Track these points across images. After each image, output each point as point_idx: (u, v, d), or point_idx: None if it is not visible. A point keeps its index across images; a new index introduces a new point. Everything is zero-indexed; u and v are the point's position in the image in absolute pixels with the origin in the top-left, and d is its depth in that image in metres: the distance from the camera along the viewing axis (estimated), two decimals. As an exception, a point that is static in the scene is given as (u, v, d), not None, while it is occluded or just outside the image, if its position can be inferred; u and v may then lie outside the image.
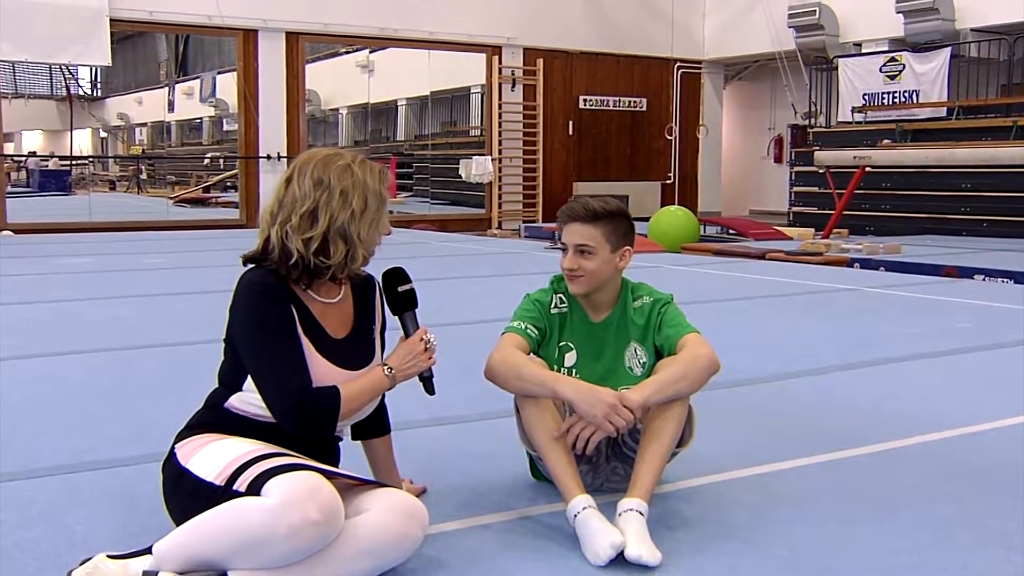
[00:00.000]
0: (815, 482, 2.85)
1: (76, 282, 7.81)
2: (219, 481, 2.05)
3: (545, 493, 2.66)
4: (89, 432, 3.35)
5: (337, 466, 2.35)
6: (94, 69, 23.82)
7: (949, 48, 13.88)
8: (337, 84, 19.87)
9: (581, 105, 17.28)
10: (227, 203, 18.73)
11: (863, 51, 15.36)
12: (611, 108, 17.60)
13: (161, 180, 24.91)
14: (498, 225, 16.53)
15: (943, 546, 2.36)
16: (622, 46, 17.40)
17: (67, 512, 2.57)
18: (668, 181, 18.10)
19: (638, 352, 2.66)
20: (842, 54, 15.46)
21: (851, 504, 2.65)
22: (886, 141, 13.54)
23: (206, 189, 21.45)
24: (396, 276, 2.45)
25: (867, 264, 9.65)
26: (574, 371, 2.65)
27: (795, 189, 15.82)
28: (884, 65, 14.60)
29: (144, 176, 24.86)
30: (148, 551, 2.02)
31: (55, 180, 22.74)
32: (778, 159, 19.84)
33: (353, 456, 2.48)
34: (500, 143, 16.65)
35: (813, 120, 15.96)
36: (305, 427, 2.21)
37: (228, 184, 20.44)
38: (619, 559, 2.20)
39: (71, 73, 22.88)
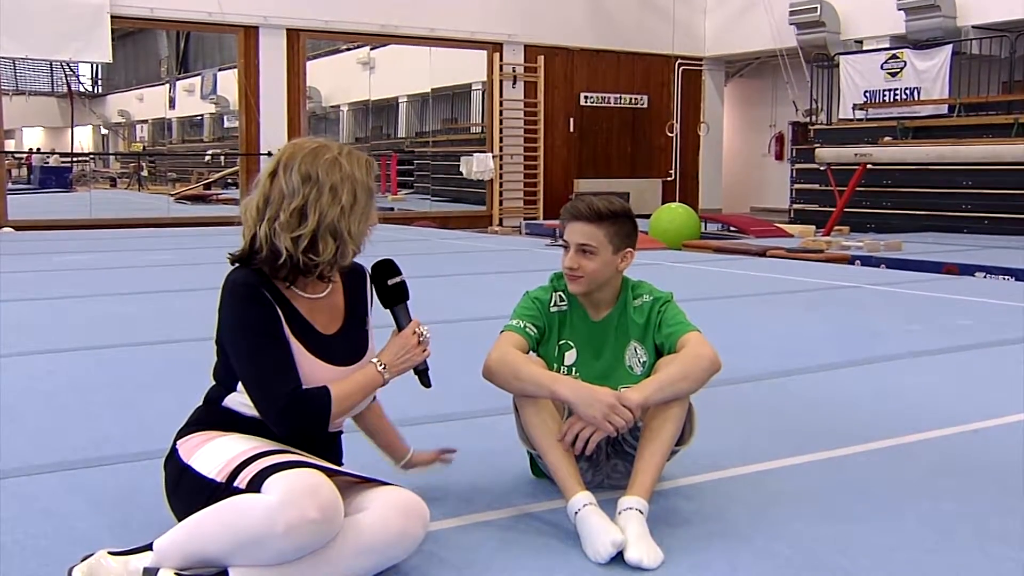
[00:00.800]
0: (816, 480, 2.85)
1: (77, 279, 7.82)
2: (220, 478, 2.05)
3: (545, 490, 2.66)
4: (90, 429, 3.36)
5: (339, 461, 2.35)
6: (95, 66, 23.84)
7: (950, 45, 13.87)
8: (338, 81, 19.86)
9: (582, 102, 17.27)
10: (228, 200, 18.74)
11: (864, 48, 15.35)
12: (612, 105, 17.59)
13: (162, 177, 24.92)
14: (499, 222, 16.52)
15: (944, 543, 2.36)
16: (623, 43, 17.39)
17: (68, 509, 2.57)
18: (669, 178, 18.10)
19: (638, 351, 2.65)
20: (843, 51, 15.45)
21: (852, 501, 2.64)
22: (887, 138, 13.54)
23: (207, 186, 21.45)
24: (386, 268, 2.39)
25: (868, 261, 9.64)
26: (574, 370, 2.65)
27: (796, 186, 15.82)
28: (885, 62, 14.59)
29: (145, 173, 24.88)
30: (149, 548, 2.02)
31: (56, 177, 22.74)
32: (779, 156, 19.83)
33: (355, 451, 2.48)
34: (501, 140, 16.64)
35: (814, 117, 15.95)
36: (296, 429, 2.18)
37: (229, 181, 20.45)
38: (620, 557, 2.20)
39: (72, 70, 22.90)
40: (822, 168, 13.48)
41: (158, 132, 25.72)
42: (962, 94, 13.83)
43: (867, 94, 14.78)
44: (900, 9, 14.23)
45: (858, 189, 12.94)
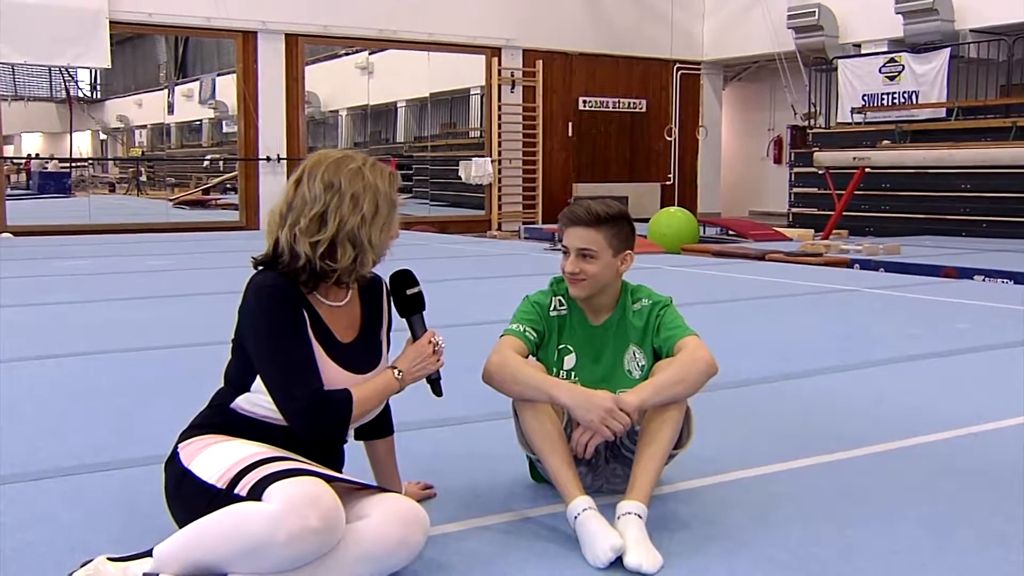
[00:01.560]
0: (815, 483, 2.85)
1: (76, 284, 7.81)
2: (221, 484, 2.05)
3: (545, 494, 2.66)
4: (89, 434, 3.36)
5: (341, 469, 2.35)
6: (94, 71, 23.80)
7: (948, 49, 13.89)
8: (337, 86, 19.87)
9: (580, 106, 17.28)
10: (227, 205, 18.73)
11: (862, 52, 15.37)
12: (610, 109, 17.61)
13: (161, 182, 24.92)
14: (498, 227, 16.52)
15: (943, 546, 2.36)
16: (621, 47, 17.40)
17: (67, 514, 2.57)
18: (668, 182, 18.11)
19: (637, 355, 2.66)
20: (841, 55, 15.46)
21: (851, 505, 2.65)
22: (885, 142, 13.54)
23: (206, 191, 21.45)
24: (404, 279, 2.43)
25: (867, 265, 9.65)
26: (573, 374, 2.65)
27: (795, 190, 15.82)
28: (883, 66, 14.61)
29: (144, 178, 24.86)
30: (148, 554, 2.02)
31: (55, 182, 22.73)
32: (777, 160, 19.84)
33: (356, 459, 2.48)
34: (500, 144, 16.65)
35: (812, 121, 15.97)
36: (317, 430, 2.21)
37: (228, 186, 20.43)
38: (619, 561, 2.20)
39: (71, 75, 22.88)
40: (820, 172, 13.48)
41: (157, 137, 25.71)
42: (960, 97, 13.85)
43: (865, 98, 14.80)
44: (898, 13, 14.25)
45: (857, 193, 12.94)
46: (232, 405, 2.23)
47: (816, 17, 15.39)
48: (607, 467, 2.65)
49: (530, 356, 2.63)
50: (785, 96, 16.95)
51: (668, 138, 17.96)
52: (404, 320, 2.42)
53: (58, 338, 5.30)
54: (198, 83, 23.31)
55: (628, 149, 17.89)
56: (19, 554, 2.30)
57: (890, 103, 14.49)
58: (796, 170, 15.82)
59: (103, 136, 27.00)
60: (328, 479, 2.04)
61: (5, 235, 13.05)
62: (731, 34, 17.67)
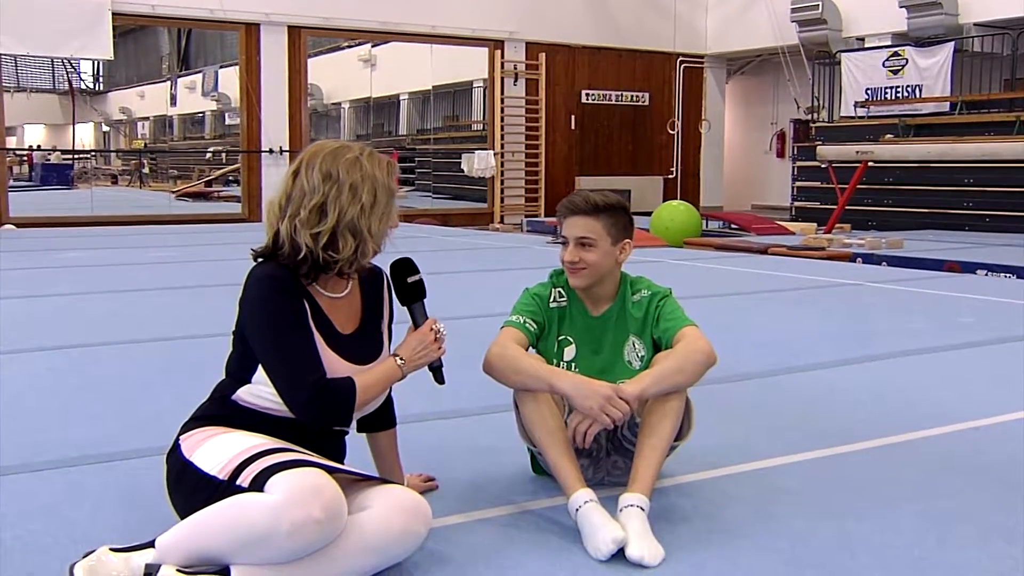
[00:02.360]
0: (816, 477, 2.86)
1: (78, 276, 7.82)
2: (222, 475, 2.05)
3: (546, 487, 2.67)
4: (91, 425, 3.36)
5: (342, 460, 2.36)
6: (96, 63, 23.81)
7: (952, 43, 13.85)
8: (339, 78, 19.86)
9: (583, 99, 17.26)
10: (229, 197, 18.72)
11: (866, 46, 15.34)
12: (613, 103, 17.59)
13: (163, 174, 24.93)
14: (500, 219, 16.53)
15: (945, 541, 2.36)
16: (624, 40, 17.38)
17: (69, 506, 2.57)
18: (670, 176, 18.09)
19: (636, 346, 2.66)
20: (845, 48, 15.44)
21: (852, 499, 2.65)
22: (889, 136, 13.53)
23: (208, 183, 21.45)
24: (405, 267, 2.43)
25: (869, 259, 9.64)
26: (573, 365, 2.66)
27: (797, 184, 15.81)
28: (887, 60, 14.58)
29: (146, 170, 24.87)
30: (151, 545, 2.03)
31: (57, 174, 22.74)
32: (780, 154, 19.83)
33: (358, 450, 2.48)
34: (502, 137, 16.64)
35: (816, 115, 15.95)
36: (321, 418, 2.22)
37: (230, 178, 20.43)
38: (621, 553, 2.21)
39: (73, 67, 22.89)
40: (824, 166, 13.48)
41: (159, 129, 25.72)
42: (964, 91, 13.82)
43: (869, 91, 14.78)
44: (902, 7, 14.23)
45: (860, 187, 12.94)
46: (233, 397, 2.24)
47: (820, 11, 15.36)
48: (608, 459, 2.66)
49: (530, 348, 2.64)
50: (788, 90, 16.94)
51: (671, 131, 17.95)
52: (406, 309, 2.41)
53: (60, 330, 5.30)
54: (201, 75, 23.29)
55: (631, 142, 17.88)
56: (21, 545, 2.30)
57: (893, 97, 14.47)
58: (799, 164, 15.81)
59: (105, 128, 27.00)
60: (330, 470, 2.04)
61: (7, 227, 13.06)
62: (734, 28, 17.64)
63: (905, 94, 14.32)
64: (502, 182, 16.78)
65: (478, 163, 16.42)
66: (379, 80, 19.14)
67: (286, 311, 2.19)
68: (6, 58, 14.72)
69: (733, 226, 13.62)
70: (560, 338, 2.69)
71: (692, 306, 2.82)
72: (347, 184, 2.21)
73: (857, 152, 12.61)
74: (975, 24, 13.97)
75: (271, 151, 14.72)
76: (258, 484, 1.98)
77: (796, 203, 15.78)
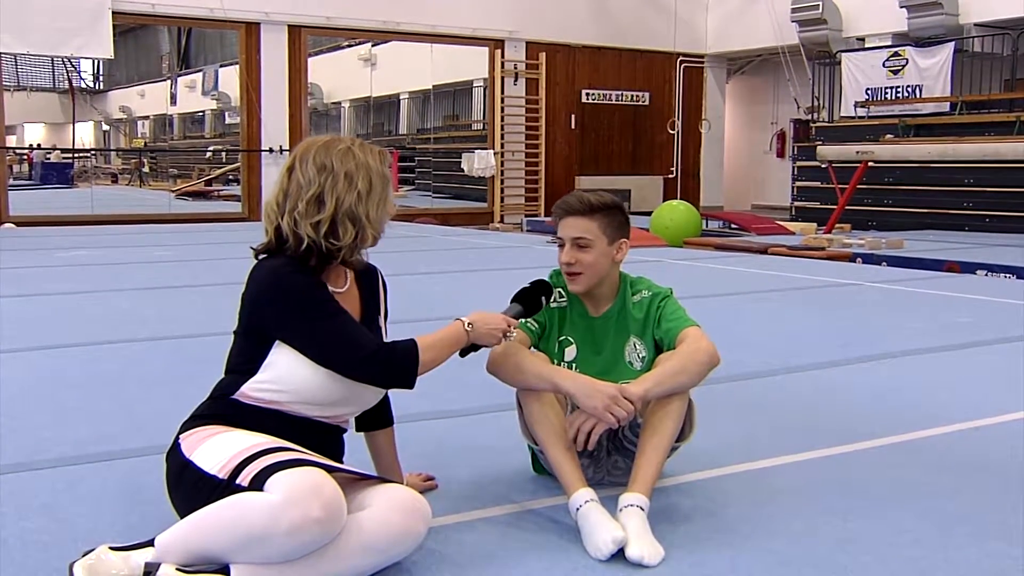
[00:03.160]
0: (816, 477, 2.86)
1: (78, 275, 7.82)
2: (222, 475, 2.05)
3: (546, 486, 2.67)
4: (91, 424, 3.36)
5: (341, 459, 2.36)
6: (96, 62, 23.81)
7: (953, 43, 13.85)
8: (339, 77, 19.86)
9: (583, 99, 17.27)
10: (229, 196, 18.73)
11: (866, 46, 15.34)
12: (613, 102, 17.59)
13: (163, 173, 24.94)
14: (500, 219, 16.53)
15: (944, 540, 2.36)
16: (624, 40, 17.37)
17: (69, 504, 2.57)
18: (670, 175, 18.09)
19: (637, 347, 2.66)
20: (845, 48, 15.44)
21: (852, 499, 2.65)
22: (889, 136, 13.53)
23: (208, 182, 21.46)
24: (543, 287, 2.61)
25: (869, 259, 9.65)
26: (574, 365, 2.66)
27: (797, 184, 15.81)
28: (887, 60, 14.58)
29: (146, 169, 24.88)
30: (150, 543, 2.03)
31: (57, 173, 22.75)
32: (780, 154, 19.82)
33: (357, 451, 2.48)
34: (502, 137, 16.64)
35: (816, 115, 15.95)
36: (385, 376, 2.25)
37: (230, 177, 20.44)
38: (621, 553, 2.21)
39: (73, 66, 22.89)
40: (824, 166, 13.48)
41: (159, 128, 25.72)
42: (964, 92, 13.82)
43: (869, 92, 14.77)
44: (902, 7, 14.22)
45: (860, 187, 12.93)
46: (234, 395, 2.24)
47: (820, 11, 15.35)
48: (609, 459, 2.66)
49: (532, 347, 2.64)
50: (788, 90, 16.93)
51: (671, 131, 17.94)
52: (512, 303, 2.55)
53: (60, 328, 5.30)
54: (201, 74, 23.31)
55: (631, 142, 17.88)
56: (21, 544, 2.30)
57: (894, 97, 14.47)
58: (799, 164, 15.81)
59: (105, 127, 27.01)
60: (329, 469, 2.04)
61: (7, 226, 13.06)
62: (735, 27, 17.63)
63: (905, 94, 14.32)
64: (502, 182, 16.78)
65: (478, 163, 16.42)
66: (379, 79, 19.14)
67: (317, 291, 2.23)
68: (6, 57, 14.72)
69: (733, 226, 13.63)
70: (561, 339, 2.69)
71: (692, 306, 2.81)
72: (342, 173, 2.24)
73: (857, 152, 12.61)
74: (975, 24, 13.97)
75: (271, 150, 14.72)
76: (258, 483, 1.98)
77: (796, 203, 15.78)
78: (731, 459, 2.98)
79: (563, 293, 2.70)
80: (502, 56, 16.38)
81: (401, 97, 20.40)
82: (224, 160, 21.85)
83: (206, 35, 22.23)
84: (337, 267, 2.32)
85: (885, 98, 14.59)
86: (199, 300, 6.32)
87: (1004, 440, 3.27)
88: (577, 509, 2.32)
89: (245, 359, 2.26)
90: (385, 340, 2.41)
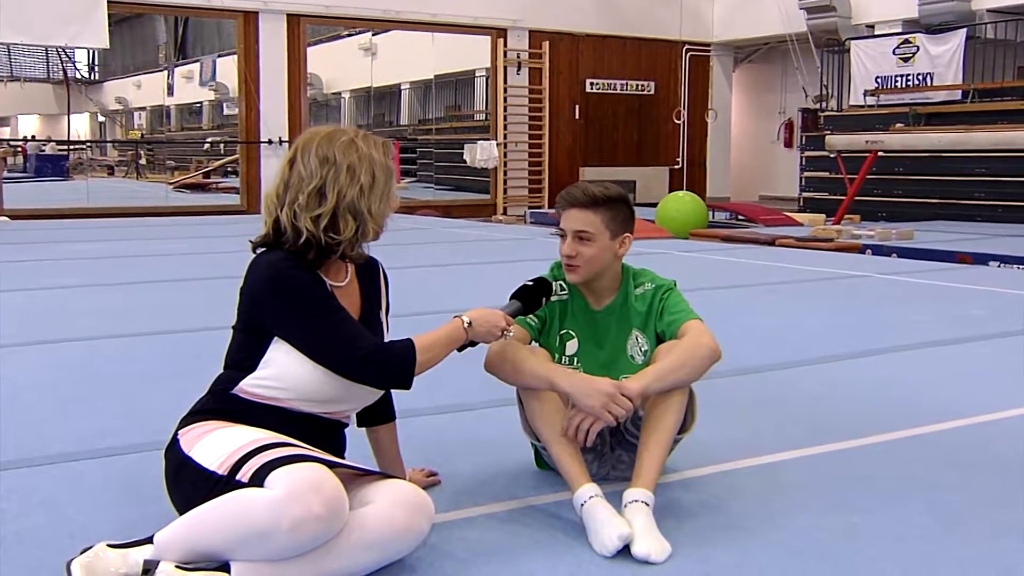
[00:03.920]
0: (823, 471, 2.87)
1: (74, 268, 7.83)
2: (222, 471, 2.06)
3: (550, 482, 2.68)
4: (90, 420, 3.38)
5: (343, 454, 2.37)
6: (91, 52, 23.80)
7: (964, 29, 13.81)
8: (339, 67, 19.85)
9: (588, 89, 17.25)
10: (227, 188, 18.75)
11: (876, 33, 15.30)
12: (618, 92, 17.57)
13: (160, 165, 24.94)
14: (503, 211, 16.52)
15: (954, 536, 2.37)
16: (629, 28, 17.35)
17: (67, 501, 2.59)
18: (676, 166, 18.08)
19: (639, 340, 2.66)
20: (854, 36, 15.40)
21: (860, 493, 2.66)
22: (899, 125, 13.50)
23: (206, 174, 21.47)
24: (543, 285, 2.59)
25: (879, 250, 9.64)
26: (575, 359, 2.66)
27: (806, 174, 15.80)
28: (897, 47, 14.55)
29: (143, 161, 24.89)
30: (149, 541, 2.03)
31: (52, 165, 22.77)
32: (788, 144, 19.80)
33: (358, 447, 2.49)
34: (505, 127, 16.63)
35: (824, 104, 15.92)
36: (383, 377, 2.26)
37: (229, 169, 20.44)
38: (626, 549, 2.22)
39: (68, 56, 22.86)
40: (832, 155, 13.46)
41: (156, 119, 25.71)
42: (976, 79, 13.77)
43: (879, 80, 14.74)
44: (913, -7, 14.20)
45: (869, 177, 12.91)
46: (234, 391, 2.25)
47: (829, -3, 15.32)
48: (612, 454, 2.67)
49: (532, 342, 2.65)
50: (796, 78, 16.90)
51: (677, 121, 17.92)
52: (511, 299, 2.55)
53: (58, 323, 5.32)
54: (198, 64, 23.29)
55: (636, 132, 17.87)
56: (19, 540, 2.32)
57: (904, 85, 14.44)
58: (807, 154, 15.79)
59: (101, 118, 27.00)
60: (331, 465, 2.05)
61: (2, 219, 13.07)
62: (742, 15, 17.60)
63: (916, 82, 14.29)
64: (505, 173, 16.78)
65: (481, 153, 16.42)
66: (380, 69, 19.13)
67: (316, 287, 2.23)
68: (0, 47, 14.72)
69: (740, 217, 13.62)
70: (562, 332, 2.69)
71: (697, 298, 2.82)
72: (344, 166, 2.24)
73: (867, 141, 12.58)
74: (988, 10, 13.93)
75: (270, 141, 14.73)
76: (258, 479, 1.99)
77: (804, 193, 15.77)
78: (736, 454, 2.99)
79: (564, 285, 2.70)
80: (505, 45, 16.37)
81: (402, 87, 20.39)
82: (222, 152, 21.85)
83: (203, 24, 22.22)
84: (337, 261, 2.33)
85: (895, 86, 14.57)
86: (197, 294, 6.33)
87: (1014, 435, 3.27)
88: (582, 505, 2.33)
89: (244, 355, 2.27)
90: (386, 335, 2.42)
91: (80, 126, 26.49)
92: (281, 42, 14.81)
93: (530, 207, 16.36)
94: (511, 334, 2.44)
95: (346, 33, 18.89)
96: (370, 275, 2.44)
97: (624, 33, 17.35)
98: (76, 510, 2.52)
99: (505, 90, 16.51)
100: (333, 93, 21.20)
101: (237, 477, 2.03)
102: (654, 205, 12.70)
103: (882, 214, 13.59)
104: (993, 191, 12.90)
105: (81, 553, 2.04)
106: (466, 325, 2.35)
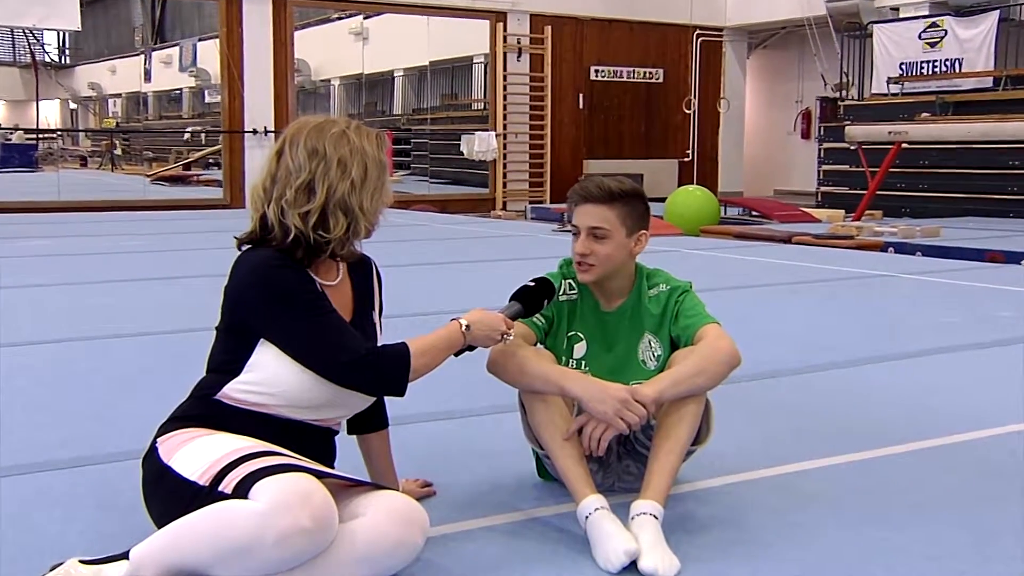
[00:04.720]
0: (844, 483, 2.86)
1: (45, 266, 7.83)
2: (203, 481, 2.06)
3: (553, 493, 2.68)
4: (61, 427, 3.37)
5: (332, 463, 2.37)
6: (62, 34, 23.81)
7: (997, 11, 13.81)
8: (328, 53, 19.86)
9: (592, 76, 17.26)
10: (210, 181, 18.75)
11: (900, 16, 15.31)
12: (625, 80, 17.57)
13: (137, 156, 24.95)
14: (502, 206, 16.54)
15: (986, 553, 2.37)
16: (637, 12, 17.35)
17: (37, 513, 2.58)
18: (686, 159, 18.09)
19: (652, 344, 2.66)
20: (877, 19, 15.40)
21: (884, 507, 2.65)
22: (925, 114, 13.50)
23: (187, 166, 21.48)
24: (545, 286, 2.55)
25: (902, 249, 9.64)
26: (584, 363, 2.66)
27: (824, 167, 15.80)
28: (924, 31, 14.54)
29: (118, 152, 24.88)
30: (124, 556, 2.03)
31: (20, 155, 22.75)
32: (806, 135, 19.80)
33: (349, 456, 2.49)
34: (505, 117, 16.63)
35: (844, 92, 15.92)
36: (375, 383, 2.27)
37: (211, 161, 20.45)
38: (633, 565, 2.21)
39: (36, 38, 22.87)
40: (853, 147, 13.46)
41: (132, 107, 25.73)
42: (1009, 65, 13.77)
43: (903, 66, 14.75)
44: (940, -28, 14.20)
45: (892, 170, 12.92)
46: (217, 396, 2.24)
47: (849, -21, 15.34)
48: (619, 464, 2.66)
49: (538, 344, 2.64)
50: (815, 65, 16.90)
51: (687, 111, 17.93)
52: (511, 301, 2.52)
53: (28, 324, 5.31)
54: (178, 48, 23.29)
55: (643, 123, 17.87)
56: (-14, 555, 2.31)
57: (930, 72, 14.44)
58: (826, 146, 15.79)
59: (73, 105, 27.02)
60: (320, 475, 2.05)
61: (-32, 213, 13.07)
62: (756, -3, 17.61)
63: (944, 68, 14.28)
64: (505, 166, 16.78)
65: (479, 145, 16.43)
66: (372, 55, 19.13)
67: (304, 287, 2.23)
68: (-35, 30, 14.72)
69: (754, 213, 13.64)
70: (570, 334, 2.69)
71: (709, 300, 2.82)
72: (335, 159, 2.24)
73: (890, 132, 12.59)
74: (1022, -9, 13.93)
75: (255, 131, 14.73)
76: (242, 490, 1.99)
77: (822, 188, 15.77)
78: (752, 464, 2.99)
79: (574, 285, 2.70)
80: (504, 30, 16.37)
81: (395, 74, 20.40)
82: (204, 142, 21.84)
83: (183, 6, 22.24)
84: (328, 259, 2.33)
85: (921, 73, 14.57)
86: (177, 294, 6.33)
87: (1049, 444, 3.27)
88: (586, 517, 2.32)
89: (228, 358, 2.26)
90: (380, 336, 2.42)
91: (50, 113, 26.51)
92: (267, 25, 14.80)
93: (531, 202, 16.36)
94: (511, 338, 2.44)
95: (336, 16, 18.89)
96: (363, 274, 2.44)
97: (631, 17, 17.35)
98: (46, 523, 2.51)
99: (505, 78, 16.51)
100: (322, 80, 21.21)
101: (220, 488, 2.03)
102: (662, 200, 12.69)
103: (906, 210, 13.59)
104: (1026, 185, 12.91)
105: (51, 569, 2.04)
106: (464, 329, 2.34)
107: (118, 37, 25.22)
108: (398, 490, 2.45)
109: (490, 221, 13.86)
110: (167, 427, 2.25)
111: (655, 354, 2.66)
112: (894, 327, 5.40)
